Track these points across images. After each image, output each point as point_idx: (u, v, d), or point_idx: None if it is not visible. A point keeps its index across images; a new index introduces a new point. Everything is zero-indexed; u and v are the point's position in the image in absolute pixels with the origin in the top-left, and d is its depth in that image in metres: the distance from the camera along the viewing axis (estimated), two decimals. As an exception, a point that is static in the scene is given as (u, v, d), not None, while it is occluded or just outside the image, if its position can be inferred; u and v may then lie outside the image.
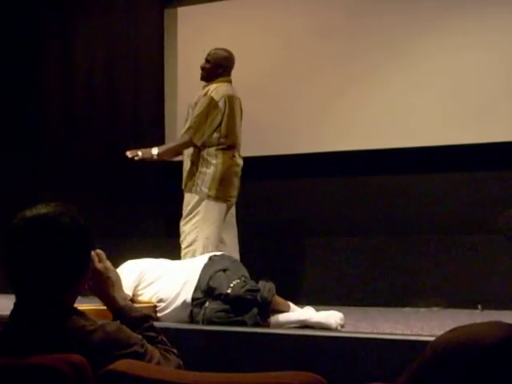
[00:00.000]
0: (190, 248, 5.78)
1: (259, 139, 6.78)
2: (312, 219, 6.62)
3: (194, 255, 5.64)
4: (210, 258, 4.88)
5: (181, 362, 2.27)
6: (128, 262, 5.36)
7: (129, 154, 5.73)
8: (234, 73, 6.77)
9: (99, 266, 2.41)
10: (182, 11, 7.20)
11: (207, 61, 5.97)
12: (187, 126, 5.81)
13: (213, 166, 5.80)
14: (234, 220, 6.06)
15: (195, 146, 5.80)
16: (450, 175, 6.23)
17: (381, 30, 6.44)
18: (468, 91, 6.16)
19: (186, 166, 5.88)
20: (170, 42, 7.16)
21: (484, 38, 6.14)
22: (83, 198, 6.76)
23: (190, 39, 7.09)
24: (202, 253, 5.61)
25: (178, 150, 5.89)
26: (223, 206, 5.88)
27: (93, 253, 2.38)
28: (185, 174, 5.87)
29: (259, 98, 6.81)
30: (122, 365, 1.84)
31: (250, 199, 6.80)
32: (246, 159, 6.70)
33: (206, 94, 5.84)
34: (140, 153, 5.71)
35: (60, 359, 1.84)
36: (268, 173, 6.80)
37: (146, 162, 5.78)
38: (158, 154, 5.80)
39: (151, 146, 5.86)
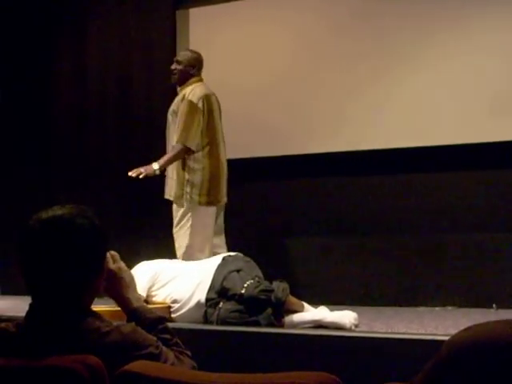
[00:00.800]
0: (186, 254, 5.79)
1: (271, 139, 6.77)
2: (324, 218, 6.60)
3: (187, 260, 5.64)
4: (224, 259, 4.89)
5: (195, 364, 2.27)
6: (142, 263, 5.37)
7: (132, 173, 5.68)
8: (245, 73, 6.80)
9: (113, 266, 2.42)
10: (194, 12, 7.20)
11: (178, 62, 5.98)
12: (178, 133, 5.75)
13: (199, 171, 5.83)
14: (222, 221, 6.10)
15: (191, 152, 5.79)
16: (465, 173, 6.20)
17: (395, 30, 6.40)
18: (483, 90, 6.12)
19: (172, 174, 5.87)
20: (182, 43, 7.15)
21: (500, 38, 6.09)
22: (97, 198, 6.76)
23: (202, 40, 7.08)
24: (199, 258, 5.65)
25: (176, 159, 5.82)
26: (214, 209, 5.91)
27: (107, 254, 2.39)
28: (171, 183, 5.86)
29: (270, 98, 6.81)
30: (137, 366, 1.84)
31: (261, 199, 6.81)
32: (256, 159, 6.73)
33: (183, 99, 5.82)
34: (143, 170, 5.69)
35: (76, 360, 1.85)
36: (280, 173, 6.79)
37: (150, 178, 5.76)
38: (159, 169, 5.77)
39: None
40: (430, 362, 1.62)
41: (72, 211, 2.14)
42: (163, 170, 5.83)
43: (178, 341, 2.36)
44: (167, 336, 2.31)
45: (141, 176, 5.68)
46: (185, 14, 7.22)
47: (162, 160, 5.79)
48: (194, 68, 6.01)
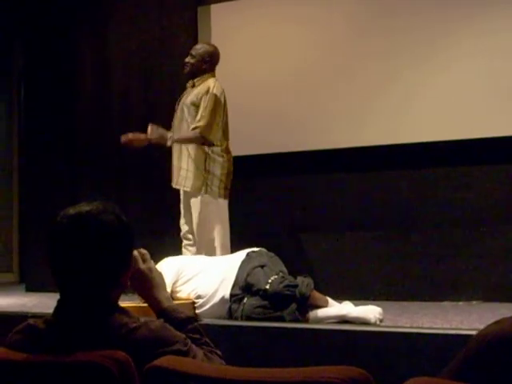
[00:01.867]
0: (205, 246, 5.80)
1: (292, 135, 6.76)
2: (347, 213, 6.59)
3: (207, 253, 5.66)
4: (248, 254, 4.89)
5: (224, 363, 2.26)
6: (166, 258, 5.38)
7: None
8: (266, 70, 6.79)
9: (143, 266, 2.42)
10: (215, 8, 7.20)
11: (192, 55, 5.99)
12: (201, 124, 5.74)
13: (219, 164, 5.85)
14: None
15: (207, 144, 5.80)
16: (490, 168, 6.17)
17: (419, 27, 6.34)
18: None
19: (186, 165, 5.84)
20: (204, 39, 7.14)
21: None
22: (121, 195, 6.79)
23: (223, 36, 7.08)
24: (222, 252, 5.71)
25: (190, 143, 5.81)
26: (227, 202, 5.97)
27: (136, 252, 2.40)
28: (185, 174, 5.84)
29: (292, 94, 6.80)
30: (166, 361, 1.84)
31: (281, 194, 6.82)
32: (279, 155, 6.74)
33: (207, 91, 5.81)
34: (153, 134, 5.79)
35: (104, 356, 1.85)
36: (304, 167, 6.78)
37: (157, 146, 5.80)
38: (172, 142, 5.83)
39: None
40: (458, 356, 1.61)
41: (99, 207, 2.15)
42: (176, 142, 5.85)
43: (208, 340, 2.35)
44: (197, 336, 2.30)
45: (153, 140, 5.79)
46: (206, 10, 7.22)
47: (178, 136, 5.84)
48: (207, 63, 6.01)
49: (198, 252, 5.77)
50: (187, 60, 5.98)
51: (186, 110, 5.89)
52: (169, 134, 5.86)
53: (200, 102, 5.79)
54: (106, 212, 2.14)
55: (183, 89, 6.11)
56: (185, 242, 5.97)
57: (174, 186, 5.91)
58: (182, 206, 5.99)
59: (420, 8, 6.38)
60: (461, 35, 6.24)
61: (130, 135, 5.86)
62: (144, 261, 2.44)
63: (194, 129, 5.75)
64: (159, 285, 2.45)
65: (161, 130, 5.88)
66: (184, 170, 5.84)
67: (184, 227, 5.98)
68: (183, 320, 2.33)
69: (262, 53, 6.93)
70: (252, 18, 7.06)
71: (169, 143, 5.84)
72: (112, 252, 2.12)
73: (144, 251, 2.47)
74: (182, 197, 5.99)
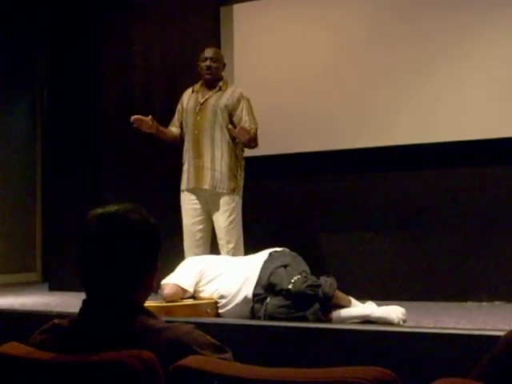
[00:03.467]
0: (236, 247, 5.86)
1: (315, 136, 6.74)
2: (368, 213, 6.58)
3: (236, 254, 5.74)
4: (271, 254, 4.90)
5: None
6: (189, 258, 5.42)
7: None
8: (289, 70, 6.79)
9: None
10: (238, 8, 7.19)
11: (213, 60, 6.03)
12: (252, 125, 5.89)
13: (243, 166, 6.03)
14: None
15: (254, 147, 5.97)
16: (503, 168, 6.15)
17: (439, 32, 6.31)
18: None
19: (219, 167, 5.87)
20: (226, 39, 7.16)
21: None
22: (147, 197, 6.80)
23: (246, 36, 7.08)
24: (241, 251, 5.82)
25: (254, 141, 5.96)
26: None
27: None
28: (217, 175, 5.86)
29: (315, 95, 6.78)
30: (192, 360, 1.84)
31: (300, 195, 6.83)
32: (301, 155, 6.74)
33: (241, 95, 5.97)
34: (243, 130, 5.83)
35: (130, 355, 1.85)
36: (327, 168, 6.78)
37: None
38: (251, 131, 5.88)
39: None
40: (486, 357, 1.61)
41: (126, 207, 2.16)
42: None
43: None
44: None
45: (247, 135, 5.83)
46: (229, 10, 7.22)
47: (254, 132, 5.92)
48: (224, 66, 6.16)
49: (235, 252, 5.80)
50: (210, 64, 5.99)
51: (219, 112, 5.90)
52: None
53: (237, 106, 5.92)
54: (134, 212, 2.15)
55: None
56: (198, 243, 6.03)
57: (208, 187, 5.90)
58: (197, 206, 6.02)
59: (445, 11, 6.32)
60: (485, 38, 6.19)
61: (141, 117, 5.91)
62: None
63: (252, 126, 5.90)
64: None
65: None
66: (218, 172, 5.87)
67: (197, 227, 6.02)
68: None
69: (285, 53, 6.91)
70: (274, 18, 7.04)
71: (252, 132, 5.89)
72: (138, 252, 2.12)
73: None
74: (196, 203, 6.01)
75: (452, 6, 6.32)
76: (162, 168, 6.13)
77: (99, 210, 2.15)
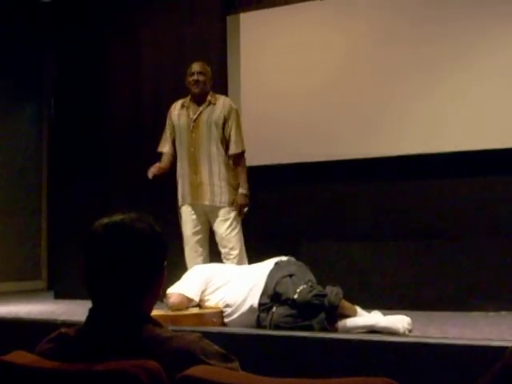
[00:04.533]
0: (240, 253, 5.95)
1: (322, 145, 6.75)
2: (371, 222, 6.58)
3: (240, 261, 5.86)
4: (276, 263, 4.90)
5: None
6: (195, 267, 5.42)
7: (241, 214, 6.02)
8: (295, 78, 6.80)
9: None
10: (244, 17, 7.21)
11: (202, 73, 6.08)
12: (238, 142, 6.02)
13: (235, 178, 6.08)
14: None
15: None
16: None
17: (447, 36, 6.31)
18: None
19: (220, 182, 5.96)
20: (233, 47, 7.17)
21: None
22: (156, 202, 6.81)
23: (252, 44, 7.10)
24: (245, 258, 5.93)
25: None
26: None
27: None
28: (217, 190, 5.95)
29: (322, 104, 6.78)
30: (199, 370, 1.83)
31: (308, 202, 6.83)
32: (308, 164, 6.74)
33: (231, 107, 6.07)
34: (242, 209, 5.98)
35: (135, 365, 1.85)
36: (333, 176, 6.78)
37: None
38: (247, 192, 5.99)
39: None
40: (495, 368, 1.60)
41: (132, 216, 2.16)
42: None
43: None
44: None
45: (246, 210, 5.99)
46: (235, 19, 7.24)
47: (244, 183, 6.01)
48: (212, 80, 6.21)
49: (240, 260, 5.89)
50: (197, 78, 6.03)
51: (214, 128, 5.98)
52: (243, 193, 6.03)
53: (228, 118, 6.01)
54: (140, 221, 2.15)
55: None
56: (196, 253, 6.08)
57: (208, 202, 5.96)
58: (194, 217, 6.07)
59: (446, 16, 6.33)
60: (495, 44, 6.19)
61: (154, 170, 6.05)
62: None
63: (237, 151, 6.01)
64: None
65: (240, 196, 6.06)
66: (217, 187, 5.94)
67: (194, 239, 6.06)
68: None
69: (291, 61, 6.92)
70: (281, 27, 7.05)
71: (247, 198, 6.01)
72: (145, 260, 2.12)
73: None
74: (194, 214, 6.06)
75: (462, 10, 6.32)
76: (171, 172, 6.12)
77: (105, 220, 2.15)
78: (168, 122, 6.20)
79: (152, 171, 6.01)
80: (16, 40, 9.18)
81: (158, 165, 6.07)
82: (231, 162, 6.02)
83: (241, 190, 5.95)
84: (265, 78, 7.00)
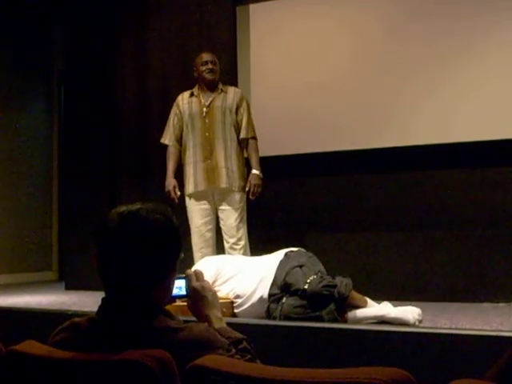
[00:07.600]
0: (246, 245, 5.99)
1: (331, 136, 6.74)
2: (380, 213, 6.56)
3: (245, 253, 5.90)
4: (286, 254, 4.90)
5: None
6: (205, 258, 5.42)
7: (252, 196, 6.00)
8: (305, 70, 6.79)
9: (196, 284, 2.46)
10: (254, 8, 7.19)
11: (214, 63, 6.17)
12: (250, 129, 6.12)
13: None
14: None
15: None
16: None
17: (457, 32, 6.28)
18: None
19: (232, 166, 6.00)
20: (243, 39, 7.17)
21: None
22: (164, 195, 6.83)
23: (262, 36, 7.08)
24: (248, 250, 5.98)
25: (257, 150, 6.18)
26: None
27: (190, 271, 2.46)
28: (230, 175, 5.98)
29: (332, 95, 6.77)
30: (208, 360, 1.84)
31: (317, 193, 6.82)
32: (319, 155, 6.74)
33: (242, 95, 6.20)
34: (256, 189, 5.98)
35: (146, 355, 1.86)
36: (342, 167, 6.77)
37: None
38: (260, 174, 6.03)
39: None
40: (502, 358, 1.60)
41: (149, 206, 2.16)
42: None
43: (259, 361, 2.32)
44: (248, 356, 2.25)
45: (259, 190, 6.00)
46: (245, 10, 7.22)
47: (256, 164, 6.06)
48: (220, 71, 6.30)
49: (245, 251, 5.93)
50: (212, 67, 6.10)
51: (228, 113, 6.05)
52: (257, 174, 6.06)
53: (240, 106, 6.11)
54: (156, 212, 2.16)
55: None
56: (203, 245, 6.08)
57: (225, 185, 5.97)
58: (206, 207, 6.08)
59: (457, 12, 6.30)
60: (506, 38, 6.15)
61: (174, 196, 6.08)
62: (198, 279, 2.47)
63: (250, 135, 6.11)
64: (212, 304, 2.46)
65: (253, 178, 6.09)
66: (231, 171, 5.99)
67: (207, 227, 6.06)
68: (234, 341, 2.30)
69: (301, 52, 6.91)
70: (291, 18, 7.03)
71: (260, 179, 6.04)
72: (158, 251, 2.13)
73: (199, 271, 2.51)
74: (206, 204, 6.08)
75: (473, 5, 6.28)
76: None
77: (122, 208, 2.16)
78: (175, 111, 6.20)
79: (174, 197, 6.04)
80: (24, 35, 9.20)
81: (173, 184, 6.08)
82: (243, 146, 6.10)
83: (254, 171, 5.99)
84: (274, 69, 6.99)
